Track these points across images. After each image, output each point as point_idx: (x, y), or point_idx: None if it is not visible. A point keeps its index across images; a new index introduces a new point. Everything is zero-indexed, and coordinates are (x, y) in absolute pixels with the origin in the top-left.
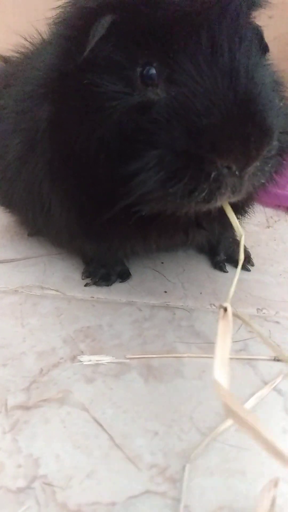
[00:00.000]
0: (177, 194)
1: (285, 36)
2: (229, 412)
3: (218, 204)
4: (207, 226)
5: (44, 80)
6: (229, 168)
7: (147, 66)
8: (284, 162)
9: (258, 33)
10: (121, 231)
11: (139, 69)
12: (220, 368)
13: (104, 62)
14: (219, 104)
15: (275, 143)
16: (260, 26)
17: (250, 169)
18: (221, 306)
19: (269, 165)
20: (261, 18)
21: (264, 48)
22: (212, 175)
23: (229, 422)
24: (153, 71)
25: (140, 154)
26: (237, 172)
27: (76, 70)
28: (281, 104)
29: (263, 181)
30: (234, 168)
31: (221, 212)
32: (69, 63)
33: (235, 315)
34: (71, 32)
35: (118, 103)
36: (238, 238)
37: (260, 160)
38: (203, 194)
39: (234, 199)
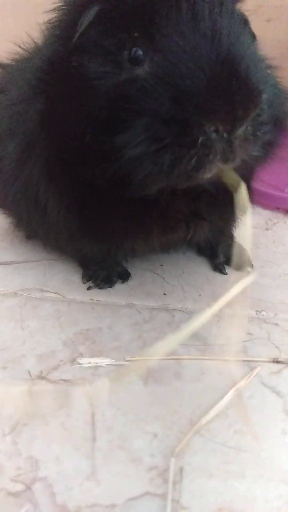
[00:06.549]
0: (164, 164)
1: (284, 40)
2: None
3: (209, 174)
4: (207, 216)
5: (37, 81)
6: (217, 132)
7: (134, 48)
8: (281, 134)
9: (243, 18)
10: (122, 225)
11: (126, 52)
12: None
13: (92, 47)
14: (202, 65)
15: (265, 106)
16: (245, 14)
17: (240, 133)
18: None
19: (262, 131)
20: (259, 21)
21: (252, 35)
22: (200, 140)
23: (212, 413)
24: (140, 52)
25: (129, 125)
26: (225, 135)
27: (66, 57)
28: (268, 71)
29: (258, 152)
30: (221, 130)
31: (221, 201)
32: (59, 52)
33: None
34: (61, 30)
35: (106, 81)
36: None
37: (250, 123)
38: (192, 161)
39: (228, 167)
